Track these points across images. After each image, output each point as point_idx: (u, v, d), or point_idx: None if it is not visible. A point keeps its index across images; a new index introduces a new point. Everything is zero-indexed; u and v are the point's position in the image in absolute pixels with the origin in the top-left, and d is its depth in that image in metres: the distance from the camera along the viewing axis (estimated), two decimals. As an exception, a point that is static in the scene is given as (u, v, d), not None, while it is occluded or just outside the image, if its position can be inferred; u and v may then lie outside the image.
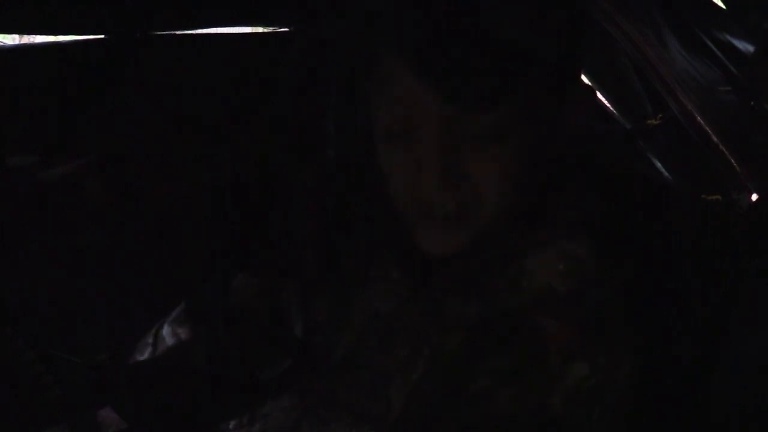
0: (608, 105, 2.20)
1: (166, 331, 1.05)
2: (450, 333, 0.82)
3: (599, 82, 2.17)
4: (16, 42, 3.18)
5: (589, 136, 0.81)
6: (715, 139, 1.88)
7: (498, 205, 0.79)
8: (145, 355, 1.00)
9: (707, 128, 1.88)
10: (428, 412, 0.82)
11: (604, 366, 0.77)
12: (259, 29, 1.87)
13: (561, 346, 0.78)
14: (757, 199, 1.80)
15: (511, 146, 0.76)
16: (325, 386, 0.89)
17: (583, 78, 0.85)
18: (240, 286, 0.97)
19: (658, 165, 2.17)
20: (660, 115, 2.09)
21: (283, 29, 1.79)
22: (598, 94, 2.15)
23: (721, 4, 1.94)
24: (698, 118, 1.89)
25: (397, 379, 0.84)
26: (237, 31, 1.83)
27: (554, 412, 0.78)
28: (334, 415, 0.87)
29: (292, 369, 0.95)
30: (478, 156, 0.76)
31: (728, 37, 1.96)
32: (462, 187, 0.77)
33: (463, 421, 0.80)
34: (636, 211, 0.83)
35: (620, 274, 0.79)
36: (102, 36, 1.51)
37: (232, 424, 0.97)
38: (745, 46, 1.90)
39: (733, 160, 1.89)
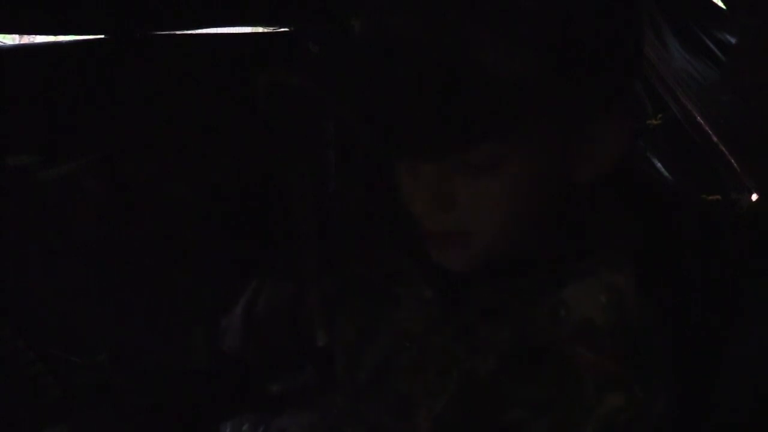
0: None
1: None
2: (481, 358, 0.79)
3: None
4: (16, 42, 3.18)
5: (618, 157, 0.76)
6: (715, 139, 1.88)
7: (504, 230, 0.73)
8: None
9: (707, 128, 1.88)
10: None
11: (641, 398, 0.75)
12: (259, 29, 1.87)
13: (597, 376, 0.75)
14: (757, 199, 1.80)
15: (509, 175, 0.70)
16: (349, 405, 0.88)
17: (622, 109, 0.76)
18: (256, 291, 0.96)
19: (658, 165, 2.17)
20: (660, 115, 2.09)
21: (283, 29, 1.79)
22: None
23: (721, 4, 1.94)
24: (698, 118, 1.89)
25: (425, 403, 0.81)
26: (237, 31, 1.83)
27: None
28: None
29: (313, 385, 0.94)
30: (470, 183, 0.71)
31: (728, 37, 1.96)
32: (454, 213, 0.72)
33: None
34: (679, 237, 0.80)
35: (659, 303, 0.76)
36: (102, 36, 1.51)
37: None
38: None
39: (733, 160, 1.89)
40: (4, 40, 3.17)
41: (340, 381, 0.89)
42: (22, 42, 3.08)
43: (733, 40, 1.93)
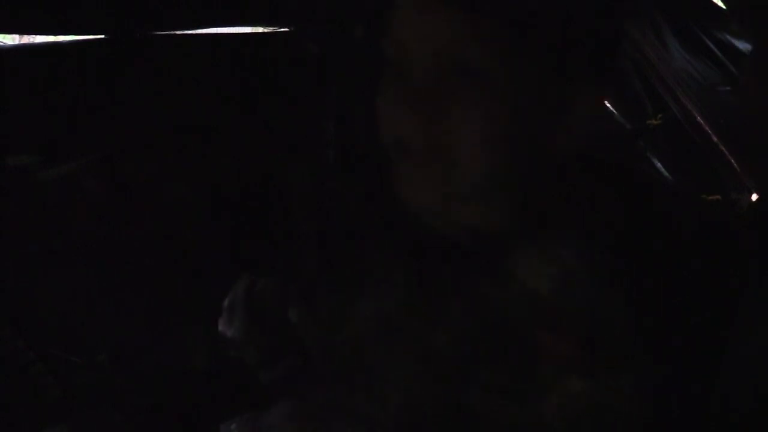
0: (608, 105, 2.20)
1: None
2: (440, 336, 0.81)
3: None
4: (16, 42, 3.18)
5: (590, 136, 0.78)
6: (715, 139, 1.88)
7: (477, 168, 0.74)
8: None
9: (707, 128, 1.88)
10: (422, 418, 0.81)
11: (603, 383, 0.75)
12: (259, 29, 1.87)
13: (555, 360, 0.76)
14: (757, 199, 1.80)
15: (497, 104, 0.72)
16: (326, 391, 0.89)
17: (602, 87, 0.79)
18: (244, 286, 0.97)
19: (658, 165, 2.17)
20: (660, 115, 2.09)
21: (283, 29, 1.79)
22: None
23: (721, 4, 1.94)
24: (698, 118, 1.89)
25: (394, 382, 0.83)
26: (237, 31, 1.83)
27: (551, 427, 0.76)
28: (334, 421, 0.86)
29: (293, 372, 0.95)
30: (459, 96, 0.72)
31: (728, 37, 1.96)
32: (436, 126, 0.73)
33: (455, 430, 0.79)
34: (649, 226, 0.80)
35: (624, 291, 0.76)
36: (102, 36, 1.51)
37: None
38: (746, 46, 1.90)
39: (733, 160, 1.90)
40: (4, 40, 3.17)
41: (318, 367, 0.90)
42: (22, 42, 3.08)
43: (733, 41, 1.93)
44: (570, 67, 0.74)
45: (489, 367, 0.78)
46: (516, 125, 0.73)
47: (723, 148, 1.90)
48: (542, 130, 0.75)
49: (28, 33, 2.32)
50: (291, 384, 0.93)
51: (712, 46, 1.96)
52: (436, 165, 0.74)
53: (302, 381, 0.93)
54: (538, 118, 0.74)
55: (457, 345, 0.80)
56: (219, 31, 1.78)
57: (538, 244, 0.79)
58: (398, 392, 0.83)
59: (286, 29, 1.78)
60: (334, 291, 0.90)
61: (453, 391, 0.79)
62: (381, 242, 0.88)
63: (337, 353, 0.89)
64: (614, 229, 0.79)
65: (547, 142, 0.76)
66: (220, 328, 0.97)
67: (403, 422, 0.82)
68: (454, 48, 0.71)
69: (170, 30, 1.61)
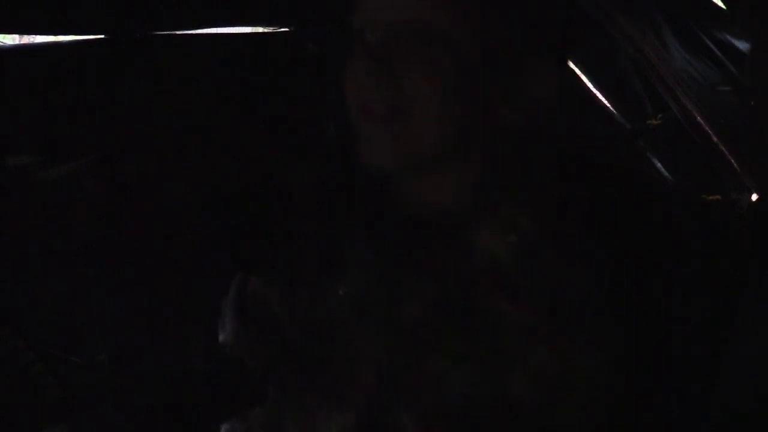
0: (608, 105, 2.20)
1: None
2: (405, 309, 0.83)
3: (599, 82, 2.17)
4: (16, 42, 3.18)
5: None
6: (715, 139, 1.88)
7: (433, 130, 0.78)
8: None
9: (707, 128, 1.88)
10: (392, 391, 0.83)
11: (565, 353, 0.77)
12: (259, 29, 1.87)
13: (516, 329, 0.78)
14: (757, 199, 1.80)
15: (453, 68, 0.75)
16: (305, 374, 0.91)
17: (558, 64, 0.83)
18: (235, 289, 0.97)
19: (658, 165, 2.17)
20: (660, 115, 2.09)
21: (283, 29, 1.79)
22: (594, 91, 2.15)
23: (721, 4, 1.94)
24: (698, 118, 1.89)
25: (365, 358, 0.85)
26: (237, 31, 1.83)
27: (516, 397, 0.78)
28: (314, 402, 0.88)
29: (275, 360, 0.95)
30: (416, 58, 0.76)
31: (728, 37, 1.96)
32: (396, 87, 0.76)
33: (422, 401, 0.81)
34: (617, 207, 0.82)
35: (586, 265, 0.78)
36: (102, 36, 1.51)
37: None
38: (746, 46, 1.90)
39: (733, 160, 1.90)
40: (4, 40, 3.18)
41: (298, 352, 0.91)
42: (22, 42, 3.08)
43: (733, 41, 1.93)
44: (526, 41, 0.78)
45: (453, 337, 0.80)
46: (470, 91, 0.77)
47: (723, 148, 1.90)
48: (496, 99, 0.79)
49: (28, 33, 2.32)
50: (273, 371, 0.94)
51: (712, 46, 1.96)
52: (395, 127, 0.78)
53: (284, 367, 0.93)
54: (493, 86, 0.78)
55: (423, 316, 0.82)
56: (219, 31, 1.78)
57: (499, 215, 0.81)
58: (369, 367, 0.84)
59: (286, 29, 1.78)
60: (310, 274, 0.91)
61: (420, 362, 0.81)
62: (353, 222, 0.89)
63: (312, 335, 0.89)
64: (582, 208, 0.81)
65: (501, 112, 0.79)
66: (219, 330, 0.98)
67: (375, 397, 0.83)
68: (413, 13, 0.76)
69: (170, 30, 1.61)
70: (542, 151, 0.84)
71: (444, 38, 0.75)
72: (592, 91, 2.19)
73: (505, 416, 0.79)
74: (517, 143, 0.81)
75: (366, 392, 0.84)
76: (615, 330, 0.78)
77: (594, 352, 0.78)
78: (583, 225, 0.80)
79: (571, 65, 2.15)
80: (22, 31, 2.51)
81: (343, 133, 0.85)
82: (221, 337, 0.97)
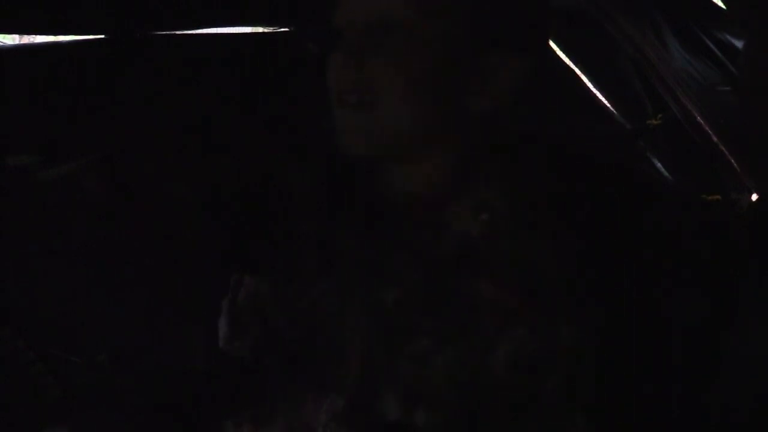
0: (608, 105, 2.20)
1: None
2: (387, 290, 0.84)
3: (599, 82, 2.18)
4: (16, 42, 3.18)
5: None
6: (715, 139, 1.88)
7: (401, 117, 0.81)
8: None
9: (707, 128, 1.88)
10: (378, 375, 0.84)
11: (544, 332, 0.79)
12: (259, 29, 1.87)
13: (495, 308, 0.80)
14: (757, 199, 1.80)
15: (418, 58, 0.79)
16: (294, 362, 0.91)
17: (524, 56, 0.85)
18: (231, 291, 0.98)
19: (658, 165, 2.18)
20: (660, 115, 2.09)
21: (283, 29, 1.79)
22: (588, 84, 2.15)
23: (721, 4, 1.94)
24: (698, 118, 1.89)
25: (351, 342, 0.86)
26: (237, 31, 1.83)
27: (497, 378, 0.80)
28: (302, 391, 0.89)
29: (269, 355, 0.96)
30: (384, 49, 0.80)
31: (728, 37, 1.96)
32: (366, 77, 0.81)
33: (406, 381, 0.82)
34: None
35: (560, 247, 0.81)
36: (102, 36, 1.51)
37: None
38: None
39: (733, 160, 1.90)
40: (4, 40, 3.18)
41: (288, 342, 0.92)
42: (22, 42, 3.09)
43: (733, 41, 1.93)
44: (494, 33, 0.81)
45: (435, 319, 0.82)
46: (436, 80, 0.81)
47: (723, 148, 1.90)
48: (463, 88, 0.82)
49: (28, 33, 2.32)
50: (266, 365, 0.94)
51: (712, 46, 1.96)
52: (366, 116, 0.82)
53: (275, 359, 0.94)
54: (459, 76, 0.82)
55: (405, 299, 0.84)
56: (219, 31, 1.78)
57: (474, 198, 0.84)
58: (356, 353, 0.86)
59: (286, 29, 1.79)
60: (310, 274, 0.92)
61: (403, 345, 0.83)
62: (336, 211, 0.91)
63: (303, 327, 0.90)
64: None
65: (469, 102, 0.82)
66: (219, 330, 0.98)
67: (361, 381, 0.85)
68: (383, 6, 0.80)
69: (170, 30, 1.61)
70: (510, 135, 0.87)
71: (408, 30, 0.79)
72: (592, 91, 2.19)
73: (487, 396, 0.80)
74: (487, 130, 0.85)
75: (353, 377, 0.85)
76: (596, 311, 0.80)
77: (575, 333, 0.80)
78: (554, 206, 0.83)
79: (572, 65, 2.15)
80: (22, 31, 2.51)
81: (333, 128, 0.88)
82: (220, 337, 0.97)
